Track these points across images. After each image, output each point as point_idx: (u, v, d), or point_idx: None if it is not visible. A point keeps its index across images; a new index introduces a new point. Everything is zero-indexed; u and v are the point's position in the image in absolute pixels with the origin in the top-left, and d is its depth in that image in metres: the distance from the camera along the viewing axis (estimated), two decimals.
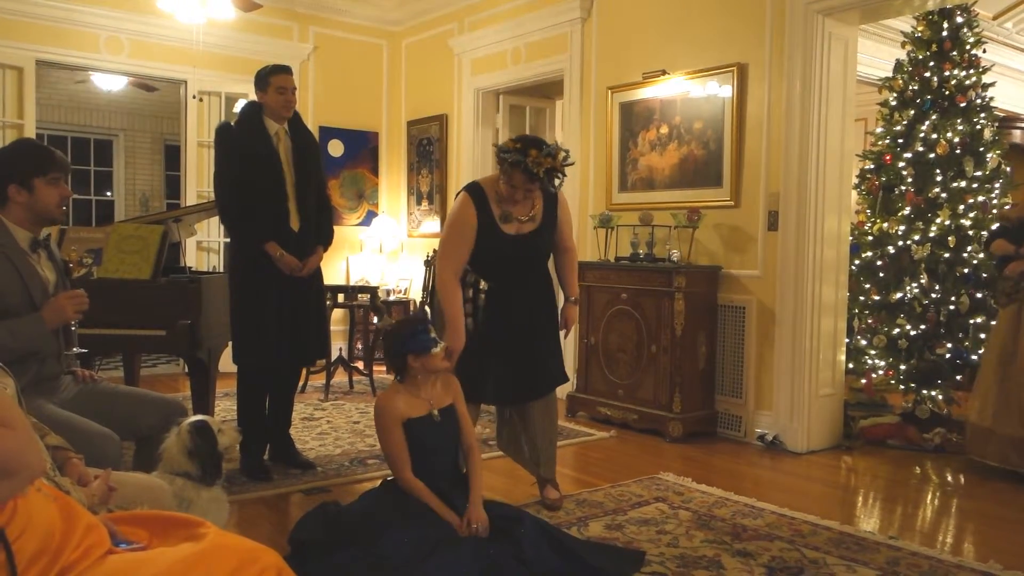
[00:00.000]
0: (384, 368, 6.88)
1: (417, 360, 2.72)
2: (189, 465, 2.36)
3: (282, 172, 3.82)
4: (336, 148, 7.36)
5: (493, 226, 3.18)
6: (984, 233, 4.95)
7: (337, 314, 6.42)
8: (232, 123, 3.96)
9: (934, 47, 5.09)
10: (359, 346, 6.80)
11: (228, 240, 4.09)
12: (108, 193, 10.21)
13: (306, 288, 3.89)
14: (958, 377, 4.89)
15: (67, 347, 2.67)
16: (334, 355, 5.99)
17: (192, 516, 1.65)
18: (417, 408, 2.77)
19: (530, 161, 3.03)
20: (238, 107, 7.02)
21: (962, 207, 4.94)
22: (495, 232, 3.19)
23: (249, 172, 3.75)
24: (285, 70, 3.85)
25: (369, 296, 6.10)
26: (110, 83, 8.12)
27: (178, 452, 2.37)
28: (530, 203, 3.25)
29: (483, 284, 3.23)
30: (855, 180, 5.14)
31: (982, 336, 4.86)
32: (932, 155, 4.99)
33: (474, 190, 3.23)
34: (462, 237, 3.18)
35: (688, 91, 5.02)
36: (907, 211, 5.03)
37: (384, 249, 7.46)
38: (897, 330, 4.94)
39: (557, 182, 3.18)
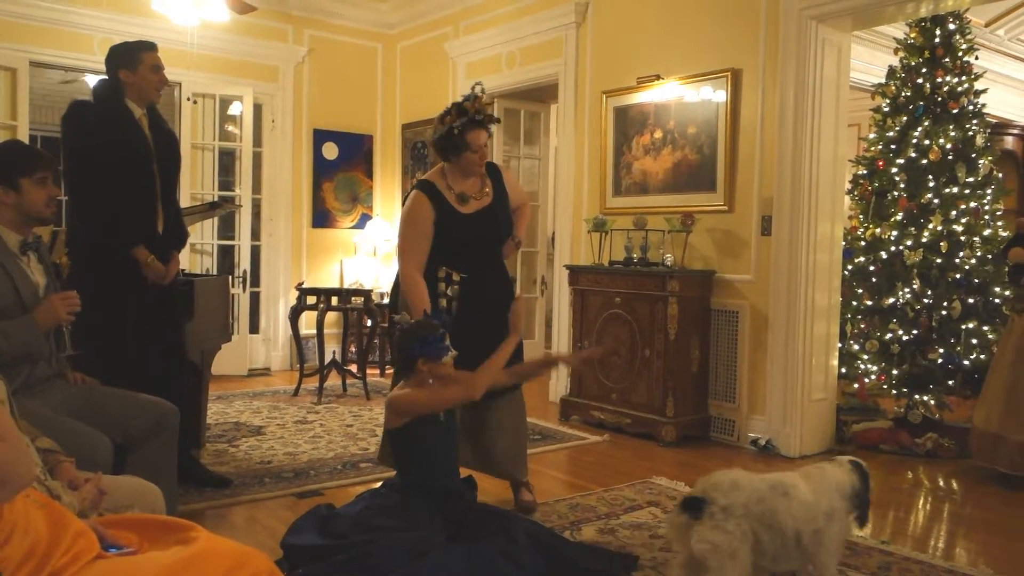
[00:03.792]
0: (377, 372, 6.89)
1: (426, 365, 2.72)
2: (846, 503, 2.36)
3: (152, 166, 3.34)
4: (331, 151, 7.35)
5: (452, 212, 3.26)
6: (976, 239, 4.97)
7: (330, 317, 6.40)
8: (90, 102, 3.39)
9: (927, 54, 5.11)
10: (352, 349, 6.79)
11: (77, 239, 3.38)
12: None
13: (170, 299, 3.47)
14: (950, 382, 4.90)
15: (59, 350, 2.66)
16: (328, 358, 5.98)
17: (182, 520, 1.64)
18: None
19: (473, 112, 3.25)
20: (233, 110, 7.03)
21: (954, 212, 4.95)
22: (455, 216, 3.25)
23: (115, 163, 3.22)
24: (155, 47, 3.37)
25: (363, 299, 6.09)
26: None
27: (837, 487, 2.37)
28: (479, 181, 3.36)
29: (455, 276, 3.25)
30: (848, 185, 5.16)
31: (974, 341, 4.87)
32: (924, 161, 5.01)
33: (423, 185, 3.32)
34: (419, 230, 3.23)
35: (682, 96, 5.04)
36: (900, 216, 5.04)
37: (378, 252, 7.45)
38: (889, 335, 4.95)
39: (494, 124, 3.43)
